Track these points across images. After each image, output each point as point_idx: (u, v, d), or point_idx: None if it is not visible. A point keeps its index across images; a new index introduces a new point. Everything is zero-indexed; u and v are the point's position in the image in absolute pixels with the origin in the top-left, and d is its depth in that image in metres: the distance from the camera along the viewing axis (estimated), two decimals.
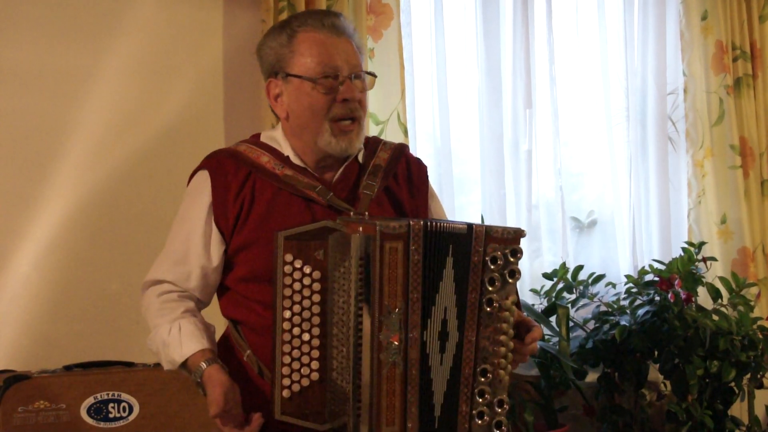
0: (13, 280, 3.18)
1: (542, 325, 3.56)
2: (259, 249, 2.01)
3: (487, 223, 3.69)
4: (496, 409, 1.87)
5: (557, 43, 4.06)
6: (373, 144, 2.20)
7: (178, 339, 2.00)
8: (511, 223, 3.92)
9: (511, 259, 1.90)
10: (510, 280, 1.90)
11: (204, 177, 2.09)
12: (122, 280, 3.31)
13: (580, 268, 3.83)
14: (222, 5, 3.51)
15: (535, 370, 3.73)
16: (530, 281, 3.95)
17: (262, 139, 2.16)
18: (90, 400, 2.91)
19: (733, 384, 3.70)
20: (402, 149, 2.23)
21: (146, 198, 3.35)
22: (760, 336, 3.69)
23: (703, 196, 4.15)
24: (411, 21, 3.82)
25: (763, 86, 4.27)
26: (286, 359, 1.89)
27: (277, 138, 2.13)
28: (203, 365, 1.96)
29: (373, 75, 2.12)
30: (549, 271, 3.85)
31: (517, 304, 2.00)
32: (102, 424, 2.91)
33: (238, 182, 2.05)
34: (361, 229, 1.82)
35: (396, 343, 1.81)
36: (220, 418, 1.92)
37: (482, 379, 1.87)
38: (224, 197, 2.05)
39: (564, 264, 3.85)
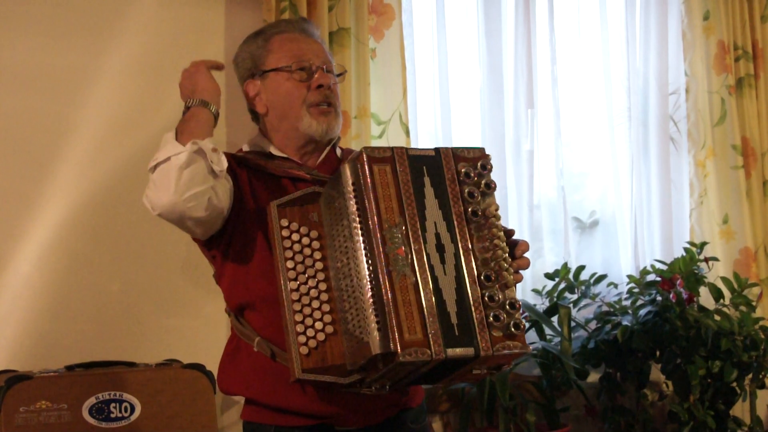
0: (15, 280, 3.18)
1: (544, 326, 3.58)
2: (253, 225, 2.08)
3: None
4: (510, 310, 1.87)
5: (559, 43, 4.06)
6: (348, 151, 2.32)
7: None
8: (512, 224, 3.92)
9: (483, 172, 1.98)
10: (488, 191, 1.96)
11: None
12: (123, 279, 3.31)
13: (581, 268, 3.83)
14: (223, 5, 3.51)
15: (537, 370, 3.73)
16: (532, 281, 3.95)
17: (243, 149, 2.26)
18: (92, 400, 2.91)
19: (735, 384, 3.69)
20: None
21: None
22: (762, 336, 3.69)
23: (704, 196, 4.15)
24: (413, 21, 3.82)
25: (765, 86, 4.27)
26: (298, 317, 1.92)
27: (256, 142, 2.25)
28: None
29: (344, 71, 2.29)
30: (551, 271, 3.85)
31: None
32: (104, 424, 2.91)
33: (237, 171, 2.14)
34: (345, 164, 1.91)
35: (402, 255, 1.83)
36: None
37: (488, 284, 1.88)
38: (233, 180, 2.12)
39: (566, 264, 3.85)
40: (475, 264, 1.88)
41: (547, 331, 3.64)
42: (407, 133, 3.62)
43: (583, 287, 3.82)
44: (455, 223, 1.90)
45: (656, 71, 4.20)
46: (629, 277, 3.90)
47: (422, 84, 3.83)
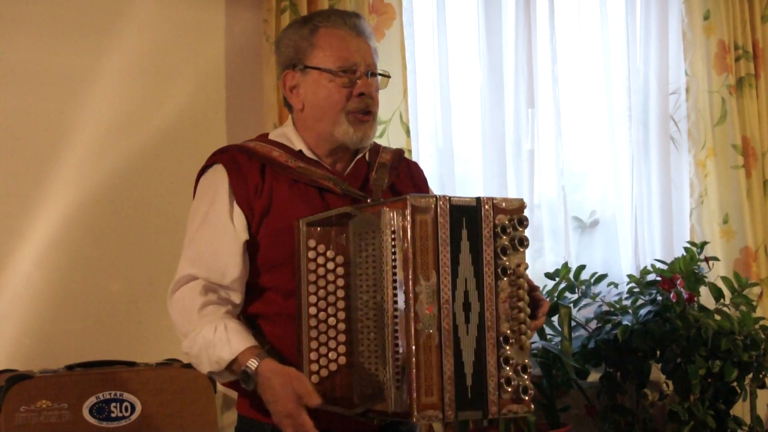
0: (15, 279, 3.18)
1: (545, 325, 3.58)
2: (277, 237, 2.02)
3: None
4: (522, 374, 1.90)
5: (560, 42, 4.06)
6: (375, 147, 2.24)
7: (225, 337, 1.95)
8: None
9: (519, 228, 1.95)
10: (520, 249, 1.94)
11: (219, 170, 2.09)
12: (124, 279, 3.31)
13: (582, 267, 3.83)
14: (223, 5, 3.51)
15: (537, 370, 3.73)
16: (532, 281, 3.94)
17: (271, 136, 2.18)
18: (92, 400, 2.91)
19: (735, 384, 3.69)
20: (401, 153, 2.29)
21: (148, 197, 3.35)
22: (763, 336, 3.68)
23: (705, 195, 4.15)
24: (413, 21, 3.82)
25: (766, 86, 4.27)
26: (314, 344, 1.90)
27: (287, 134, 2.15)
28: (254, 361, 1.91)
29: (387, 75, 2.19)
30: (551, 270, 3.84)
31: None
32: (104, 424, 2.91)
33: (255, 176, 2.06)
34: (386, 207, 1.87)
35: (430, 313, 1.83)
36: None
37: (506, 347, 1.89)
38: (245, 189, 2.05)
39: (566, 264, 3.85)
40: (497, 325, 1.90)
41: (548, 330, 3.64)
42: (407, 132, 3.62)
43: (583, 287, 3.82)
44: (485, 281, 1.90)
45: (657, 71, 4.20)
46: (629, 276, 3.90)
47: (423, 83, 3.83)
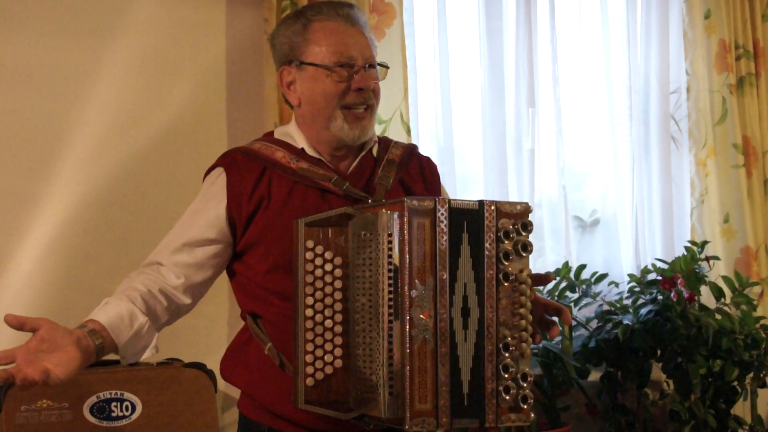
0: (15, 278, 3.18)
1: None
2: (276, 239, 2.01)
3: None
4: (521, 383, 1.86)
5: (560, 41, 4.06)
6: (386, 142, 2.21)
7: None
8: None
9: (523, 233, 1.89)
10: (524, 254, 1.89)
11: (219, 173, 2.09)
12: (123, 279, 3.30)
13: (582, 267, 3.83)
14: (224, 4, 3.51)
15: (537, 369, 3.73)
16: None
17: (276, 135, 2.16)
18: (93, 399, 2.91)
19: (735, 383, 3.69)
20: (413, 148, 2.26)
21: (148, 197, 3.35)
22: (763, 335, 3.68)
23: (705, 195, 4.15)
24: (414, 20, 3.82)
25: (766, 85, 4.27)
26: (309, 347, 1.87)
27: (290, 132, 2.14)
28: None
29: (386, 66, 2.14)
30: (552, 270, 3.84)
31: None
32: (105, 423, 2.91)
33: (254, 178, 2.05)
34: (384, 209, 1.83)
35: (426, 319, 1.79)
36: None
37: (506, 354, 1.85)
38: (239, 193, 2.05)
39: (567, 263, 3.85)
40: (497, 332, 1.86)
41: None
42: (408, 132, 3.62)
43: (584, 286, 3.82)
44: (485, 286, 1.86)
45: (657, 70, 4.20)
46: (630, 276, 3.90)
47: (423, 83, 3.83)
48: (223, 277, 2.27)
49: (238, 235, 2.06)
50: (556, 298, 3.76)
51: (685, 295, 3.62)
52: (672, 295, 3.62)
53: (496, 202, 1.89)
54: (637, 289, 3.80)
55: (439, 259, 1.82)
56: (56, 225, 3.23)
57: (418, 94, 3.78)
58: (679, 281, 3.65)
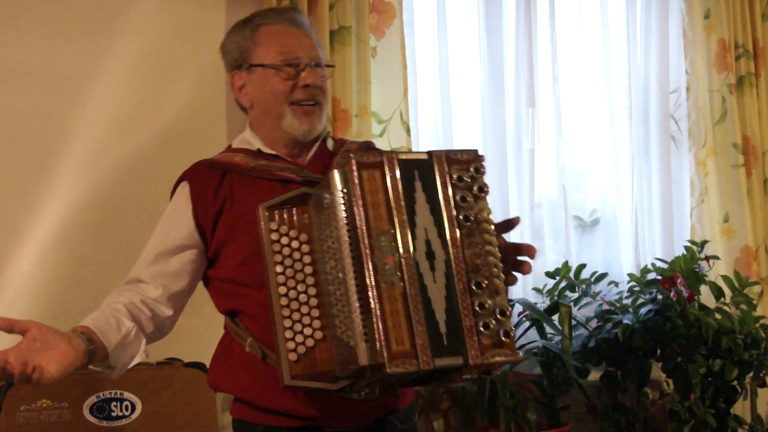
0: (15, 278, 3.19)
1: (545, 324, 3.58)
2: (244, 233, 2.05)
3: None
4: (500, 317, 1.84)
5: (560, 41, 4.06)
6: (342, 140, 2.28)
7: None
8: None
9: (476, 176, 1.90)
10: (480, 195, 1.90)
11: (183, 186, 2.17)
12: (124, 278, 3.30)
13: (582, 266, 3.83)
14: (224, 4, 3.51)
15: (537, 369, 3.73)
16: (533, 280, 3.95)
17: (234, 145, 2.24)
18: (92, 399, 2.91)
19: (735, 383, 3.69)
20: (370, 144, 2.32)
21: (148, 196, 3.35)
22: (763, 334, 3.69)
23: (705, 194, 4.15)
24: (414, 19, 3.82)
25: (766, 85, 4.27)
26: (287, 323, 1.89)
27: (246, 137, 2.21)
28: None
29: (332, 66, 2.25)
30: (552, 269, 3.85)
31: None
32: (104, 423, 2.91)
33: (215, 182, 2.11)
34: (334, 170, 1.86)
35: (390, 264, 1.80)
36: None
37: (479, 291, 1.84)
38: (203, 196, 2.11)
39: (566, 262, 3.85)
40: (466, 271, 1.85)
41: (548, 329, 3.64)
42: (408, 131, 3.62)
43: (583, 286, 3.82)
44: (446, 229, 1.86)
45: (657, 70, 4.19)
46: (630, 275, 3.90)
47: (423, 82, 3.83)
48: None
49: (208, 239, 2.11)
50: (556, 297, 3.76)
51: (685, 294, 3.62)
52: (672, 294, 3.62)
53: (445, 151, 1.91)
54: (637, 288, 3.80)
55: (395, 207, 1.83)
56: (56, 225, 3.23)
57: (418, 93, 3.78)
58: (678, 281, 3.65)
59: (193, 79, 3.45)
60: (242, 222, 2.05)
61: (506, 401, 3.35)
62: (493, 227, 1.89)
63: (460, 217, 1.87)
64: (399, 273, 1.80)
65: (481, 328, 1.82)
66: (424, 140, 3.84)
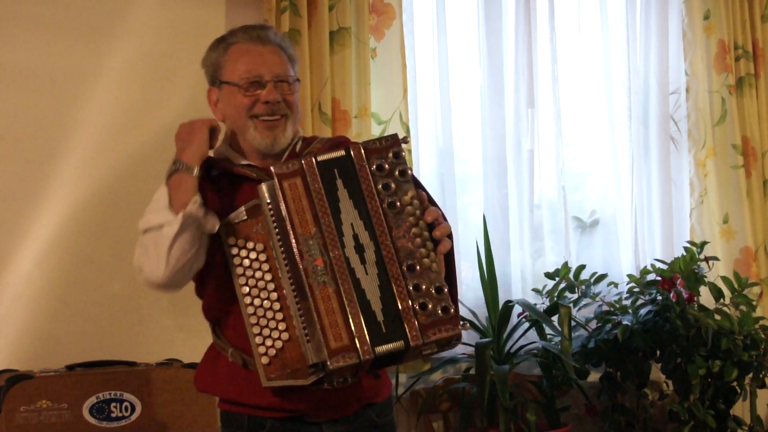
0: (15, 279, 3.19)
1: (545, 325, 3.58)
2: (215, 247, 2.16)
3: (489, 224, 3.72)
4: (435, 295, 1.93)
5: (560, 42, 4.06)
6: (311, 140, 2.33)
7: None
8: (514, 223, 3.93)
9: (396, 161, 1.99)
10: (402, 179, 1.99)
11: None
12: (124, 279, 3.31)
13: (582, 267, 3.83)
14: (224, 5, 3.51)
15: (537, 370, 3.73)
16: (532, 281, 3.95)
17: (213, 154, 2.32)
18: (92, 400, 2.91)
19: (735, 384, 3.69)
20: (341, 140, 2.36)
21: (148, 197, 3.32)
22: (763, 336, 3.68)
23: (705, 195, 4.15)
24: (413, 20, 3.82)
25: (766, 86, 4.27)
26: (256, 329, 2.03)
27: (221, 149, 2.30)
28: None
29: (297, 80, 2.29)
30: (551, 270, 3.85)
31: (431, 200, 2.08)
32: (104, 424, 2.91)
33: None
34: (262, 184, 1.99)
35: (320, 265, 1.93)
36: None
37: (411, 274, 1.94)
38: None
39: (566, 263, 3.85)
40: (397, 257, 1.95)
41: (548, 330, 3.64)
42: (408, 132, 3.63)
43: (583, 287, 3.82)
44: (372, 219, 1.96)
45: (657, 71, 4.20)
46: (629, 276, 3.90)
47: (423, 83, 3.83)
48: None
49: None
50: (555, 298, 3.76)
51: (685, 295, 3.62)
52: (671, 295, 3.62)
53: (361, 144, 2.02)
54: (637, 289, 3.80)
55: (319, 210, 1.95)
56: (56, 225, 3.23)
57: (418, 94, 3.78)
58: (678, 282, 3.65)
59: (193, 79, 3.43)
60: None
61: (506, 402, 3.35)
62: (418, 210, 1.98)
63: (384, 205, 1.97)
64: (330, 273, 1.93)
65: (418, 309, 1.92)
66: (424, 141, 3.84)
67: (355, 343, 1.90)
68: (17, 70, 3.23)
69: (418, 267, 1.94)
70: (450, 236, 2.04)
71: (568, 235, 4.03)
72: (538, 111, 4.01)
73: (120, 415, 2.93)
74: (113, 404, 2.93)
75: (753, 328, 3.68)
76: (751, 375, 3.69)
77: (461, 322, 1.96)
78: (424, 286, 1.93)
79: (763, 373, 3.70)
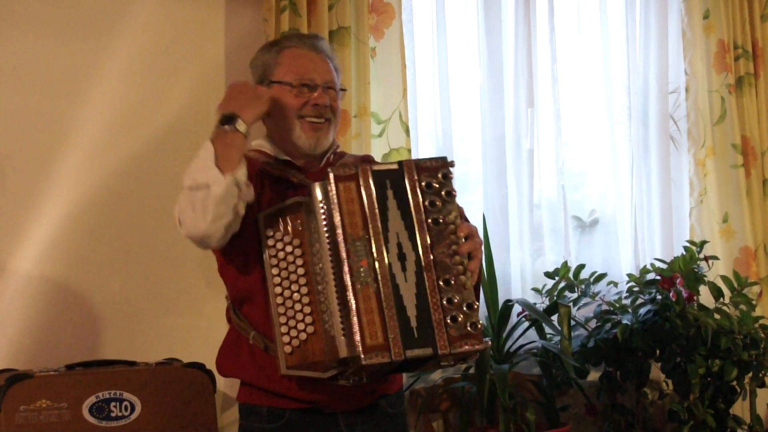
0: (15, 279, 3.19)
1: (544, 324, 3.58)
2: (255, 225, 2.23)
3: (489, 224, 3.72)
4: (466, 311, 2.04)
5: (559, 41, 4.06)
6: (341, 154, 2.46)
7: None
8: (513, 223, 3.93)
9: (444, 182, 2.13)
10: (448, 199, 2.12)
11: None
12: (123, 279, 3.31)
13: (582, 266, 3.83)
14: (224, 4, 3.51)
15: (536, 369, 3.74)
16: (532, 280, 3.95)
17: (252, 145, 2.41)
18: (92, 399, 2.91)
19: (734, 383, 3.70)
20: (367, 158, 2.54)
21: (147, 197, 3.36)
22: (762, 335, 3.68)
23: (704, 195, 4.16)
24: (413, 20, 3.82)
25: (765, 85, 4.27)
26: (282, 320, 2.13)
27: (261, 143, 2.41)
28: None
29: (344, 90, 2.46)
30: (551, 270, 3.85)
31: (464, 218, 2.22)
32: (104, 423, 2.91)
33: (251, 171, 2.25)
34: (315, 184, 2.09)
35: (365, 266, 2.02)
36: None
37: (447, 288, 2.04)
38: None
39: (566, 263, 3.85)
40: (435, 270, 2.06)
41: (547, 329, 3.64)
42: (407, 132, 3.62)
43: (583, 286, 3.82)
44: (417, 232, 2.07)
45: (656, 70, 4.20)
46: (629, 275, 3.90)
47: (422, 83, 3.83)
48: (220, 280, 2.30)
49: None
50: (555, 298, 3.77)
51: (684, 294, 3.62)
52: (671, 294, 3.62)
53: (414, 160, 2.14)
54: (636, 288, 3.80)
55: (369, 214, 2.06)
56: (55, 225, 3.23)
57: (417, 94, 3.78)
58: (678, 281, 3.65)
59: (193, 79, 3.45)
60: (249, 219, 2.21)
61: (505, 402, 3.35)
62: (459, 229, 2.09)
63: (429, 220, 2.09)
64: (373, 274, 2.03)
65: (450, 321, 2.03)
66: (423, 140, 3.84)
67: (389, 344, 1.99)
68: (17, 69, 3.22)
69: (453, 282, 2.05)
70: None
71: (567, 234, 4.03)
72: (537, 111, 4.01)
73: (120, 414, 2.93)
74: (113, 404, 2.93)
75: (753, 328, 3.68)
76: (750, 374, 3.69)
77: (485, 339, 2.06)
78: (456, 301, 2.04)
79: (762, 372, 3.71)
